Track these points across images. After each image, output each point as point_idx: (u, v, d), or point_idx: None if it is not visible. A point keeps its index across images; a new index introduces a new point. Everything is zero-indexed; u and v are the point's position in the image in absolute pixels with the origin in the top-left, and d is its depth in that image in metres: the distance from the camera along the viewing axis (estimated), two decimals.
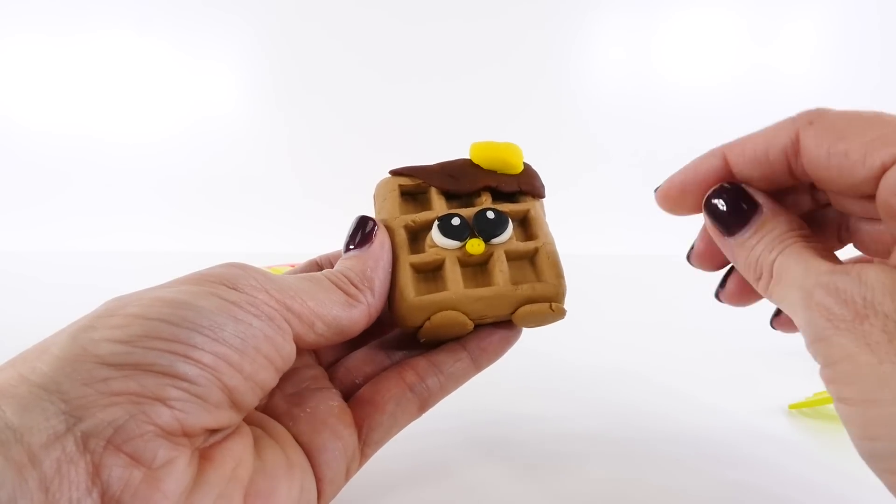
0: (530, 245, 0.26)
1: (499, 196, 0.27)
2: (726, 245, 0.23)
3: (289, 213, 1.01)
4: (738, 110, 1.04)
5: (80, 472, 0.15)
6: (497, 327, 0.26)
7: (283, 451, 0.21)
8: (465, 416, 0.27)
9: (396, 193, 0.27)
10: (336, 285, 0.23)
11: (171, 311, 0.18)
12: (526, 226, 0.27)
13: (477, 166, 0.27)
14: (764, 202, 0.23)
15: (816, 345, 0.19)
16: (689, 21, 1.06)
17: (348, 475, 0.23)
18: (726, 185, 0.23)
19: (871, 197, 0.20)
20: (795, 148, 0.22)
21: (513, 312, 0.25)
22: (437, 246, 0.25)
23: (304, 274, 0.23)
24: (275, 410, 0.23)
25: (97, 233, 0.98)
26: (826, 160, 0.21)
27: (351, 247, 0.25)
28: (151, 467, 0.16)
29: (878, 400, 0.17)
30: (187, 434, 0.18)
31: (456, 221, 0.25)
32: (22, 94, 1.05)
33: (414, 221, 0.26)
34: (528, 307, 0.25)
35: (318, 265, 0.28)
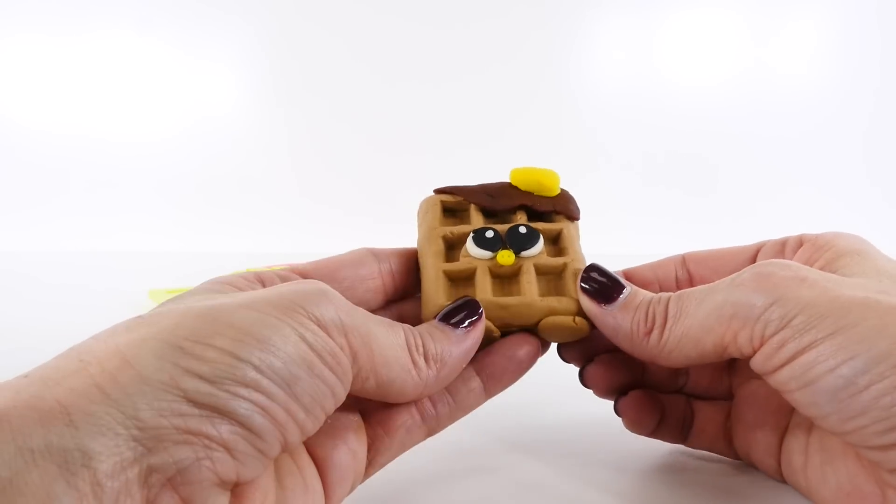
0: (559, 261, 0.27)
1: (534, 216, 0.29)
2: (607, 315, 0.24)
3: (289, 213, 1.01)
4: (738, 110, 1.04)
5: None
6: (512, 356, 0.26)
7: (301, 474, 0.21)
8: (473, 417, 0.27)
9: (438, 209, 0.29)
10: (409, 348, 0.22)
11: (260, 354, 0.17)
12: (557, 243, 0.28)
13: (515, 187, 0.29)
14: (619, 273, 0.26)
15: (770, 310, 0.20)
16: (689, 21, 1.06)
17: (351, 491, 0.23)
18: (589, 266, 0.26)
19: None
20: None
21: (537, 324, 0.26)
22: (471, 256, 0.27)
23: (385, 320, 0.22)
24: None
25: (97, 233, 0.98)
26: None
27: (451, 323, 0.24)
28: None
29: (846, 325, 0.19)
30: (239, 484, 0.17)
31: (489, 234, 0.27)
32: (22, 94, 1.05)
33: (451, 233, 0.28)
34: (551, 319, 0.25)
35: (373, 256, 0.27)
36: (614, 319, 0.24)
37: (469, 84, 1.04)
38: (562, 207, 0.29)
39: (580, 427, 0.33)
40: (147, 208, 1.02)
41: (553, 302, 0.26)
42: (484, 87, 1.04)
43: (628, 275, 0.29)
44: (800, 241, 0.26)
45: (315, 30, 1.05)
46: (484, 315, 0.25)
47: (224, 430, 0.16)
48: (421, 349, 0.22)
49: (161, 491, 0.15)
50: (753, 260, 0.27)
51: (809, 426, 0.24)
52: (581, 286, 0.25)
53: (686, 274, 0.28)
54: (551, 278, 0.27)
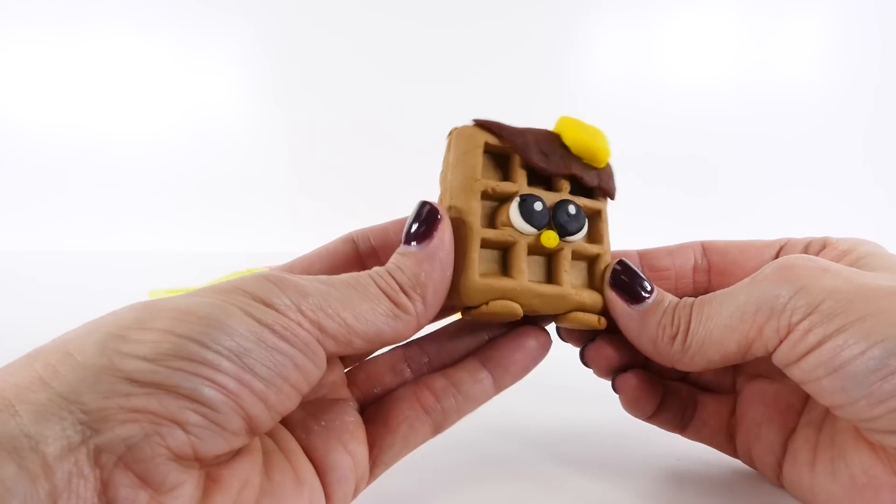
0: (594, 250, 0.25)
1: (577, 187, 0.26)
2: (633, 316, 0.24)
3: (289, 213, 1.01)
4: (738, 110, 1.04)
5: (89, 487, 0.15)
6: (520, 345, 0.25)
7: (293, 468, 0.21)
8: (473, 419, 0.27)
9: (481, 151, 0.25)
10: (384, 292, 0.21)
11: (201, 329, 0.17)
12: (593, 226, 0.26)
13: (566, 147, 0.26)
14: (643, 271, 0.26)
15: (796, 298, 0.20)
16: (688, 21, 1.06)
17: (356, 493, 0.23)
18: (617, 263, 0.25)
19: None
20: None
21: (561, 314, 0.25)
22: (513, 226, 0.24)
23: (348, 277, 0.21)
24: (289, 420, 0.22)
25: (97, 233, 0.98)
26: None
27: (412, 242, 0.22)
28: (159, 490, 0.16)
29: (875, 310, 0.19)
30: (199, 459, 0.17)
31: (538, 206, 0.24)
32: (22, 94, 1.05)
33: (494, 190, 0.24)
34: (579, 315, 0.25)
35: (353, 242, 0.26)
36: (640, 321, 0.24)
37: (469, 84, 1.04)
38: (605, 184, 0.26)
39: (586, 431, 0.33)
40: (147, 208, 1.02)
41: (585, 297, 0.25)
42: (484, 87, 1.04)
43: (643, 255, 0.28)
44: (823, 244, 0.26)
45: (314, 30, 1.05)
46: (445, 216, 0.23)
47: (171, 404, 0.16)
48: (396, 286, 0.21)
49: (114, 470, 0.16)
50: (776, 259, 0.26)
51: (820, 424, 0.24)
52: (610, 282, 0.25)
53: (706, 263, 0.28)
54: (581, 265, 0.26)
